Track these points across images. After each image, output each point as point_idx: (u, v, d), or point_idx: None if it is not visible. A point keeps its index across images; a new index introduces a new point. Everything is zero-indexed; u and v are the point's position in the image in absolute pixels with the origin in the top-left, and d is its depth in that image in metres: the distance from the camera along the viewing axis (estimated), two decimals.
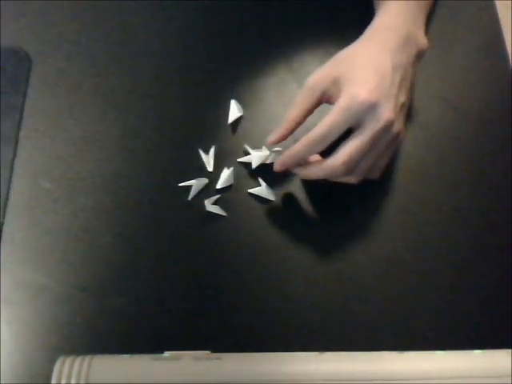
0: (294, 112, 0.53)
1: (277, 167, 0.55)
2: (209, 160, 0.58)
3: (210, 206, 0.56)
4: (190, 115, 0.61)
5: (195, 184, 0.57)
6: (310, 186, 0.58)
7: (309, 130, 0.51)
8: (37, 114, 0.60)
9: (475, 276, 0.55)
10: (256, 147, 0.59)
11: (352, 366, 0.47)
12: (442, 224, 0.57)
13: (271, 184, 0.57)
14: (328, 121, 0.50)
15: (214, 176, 0.58)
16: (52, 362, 0.45)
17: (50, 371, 0.44)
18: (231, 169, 0.58)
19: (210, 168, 0.58)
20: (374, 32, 0.56)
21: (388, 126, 0.50)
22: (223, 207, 0.56)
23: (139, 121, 0.61)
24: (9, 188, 0.57)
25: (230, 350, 0.47)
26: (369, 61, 0.52)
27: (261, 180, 0.58)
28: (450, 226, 0.57)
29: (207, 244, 0.55)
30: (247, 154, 0.59)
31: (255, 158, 0.58)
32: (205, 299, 0.53)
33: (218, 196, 0.57)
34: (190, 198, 0.57)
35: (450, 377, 0.46)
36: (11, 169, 0.58)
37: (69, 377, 0.43)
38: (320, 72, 0.54)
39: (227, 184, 0.57)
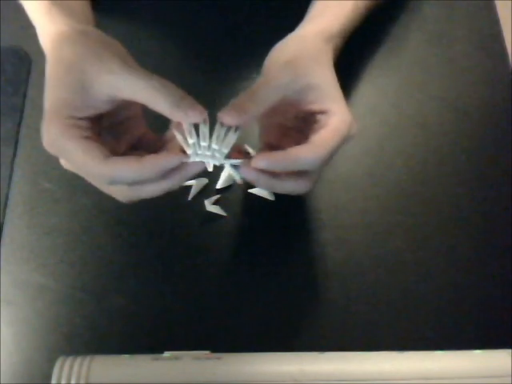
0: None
1: (258, 164, 0.43)
2: None
3: (209, 206, 0.56)
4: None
5: (195, 184, 0.57)
6: None
7: None
8: (37, 114, 0.60)
9: (475, 276, 0.55)
10: (256, 147, 0.59)
11: (352, 366, 0.47)
12: (442, 224, 0.57)
13: None
14: (331, 144, 0.44)
15: (213, 176, 0.58)
16: (52, 362, 0.45)
17: (50, 371, 0.44)
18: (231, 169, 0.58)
19: (210, 168, 0.58)
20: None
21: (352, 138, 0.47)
22: (223, 207, 0.56)
23: None
24: (9, 188, 0.57)
25: (230, 350, 0.47)
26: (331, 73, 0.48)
27: None
28: (449, 226, 0.57)
29: (207, 244, 0.55)
30: (247, 154, 0.59)
31: None
32: (205, 299, 0.53)
33: (217, 196, 0.57)
34: (189, 198, 0.57)
35: (450, 377, 0.46)
36: (11, 169, 0.58)
37: (69, 377, 0.43)
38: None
39: (227, 184, 0.57)
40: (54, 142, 0.42)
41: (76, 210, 0.56)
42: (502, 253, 0.56)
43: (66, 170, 0.57)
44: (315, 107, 0.45)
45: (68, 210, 0.56)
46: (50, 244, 0.55)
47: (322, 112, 0.45)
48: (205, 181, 0.57)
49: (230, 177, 0.57)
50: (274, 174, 0.44)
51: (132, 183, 0.43)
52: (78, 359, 0.45)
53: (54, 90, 0.43)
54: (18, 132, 0.59)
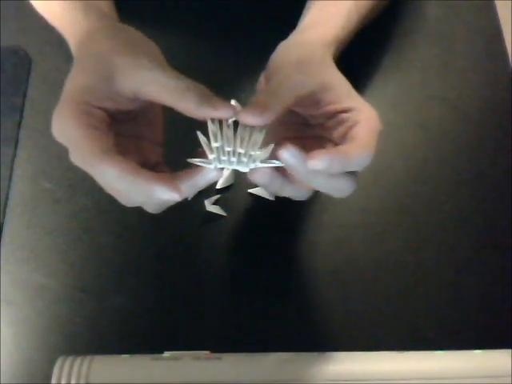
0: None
1: (316, 164, 0.39)
2: None
3: (209, 206, 0.56)
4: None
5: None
6: None
7: None
8: (37, 114, 0.60)
9: (475, 276, 0.55)
10: None
11: (352, 366, 0.47)
12: (442, 224, 0.57)
13: None
14: (374, 140, 0.42)
15: None
16: (52, 362, 0.45)
17: (50, 371, 0.44)
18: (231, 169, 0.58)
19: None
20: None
21: None
22: (223, 207, 0.56)
23: None
24: (9, 188, 0.57)
25: (230, 350, 0.47)
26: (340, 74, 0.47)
27: None
28: (449, 226, 0.57)
29: (207, 244, 0.55)
30: None
31: None
32: (205, 299, 0.53)
33: (217, 196, 0.57)
34: (189, 198, 0.57)
35: (450, 377, 0.46)
36: (11, 169, 0.58)
37: (69, 377, 0.43)
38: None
39: (227, 184, 0.57)
40: (62, 127, 0.40)
41: (76, 210, 0.56)
42: (502, 253, 0.56)
43: (66, 170, 0.58)
44: (337, 106, 0.44)
45: (68, 210, 0.56)
46: (50, 244, 0.55)
47: (347, 110, 0.44)
48: None
49: (229, 177, 0.57)
50: (325, 175, 0.41)
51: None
52: (78, 359, 0.45)
53: (76, 76, 0.42)
54: (18, 132, 0.59)
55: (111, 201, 0.58)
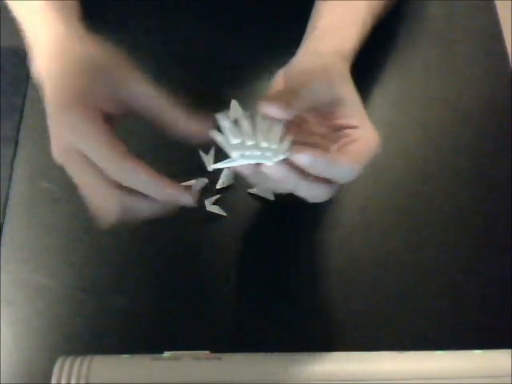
0: None
1: (301, 158, 0.40)
2: (209, 160, 0.58)
3: (209, 206, 0.56)
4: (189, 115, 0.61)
5: (195, 184, 0.57)
6: None
7: None
8: (37, 114, 0.60)
9: (475, 276, 0.55)
10: None
11: (352, 366, 0.47)
12: (442, 224, 0.57)
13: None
14: (366, 158, 0.43)
15: (214, 176, 0.58)
16: (52, 362, 0.45)
17: (50, 371, 0.44)
18: (231, 169, 0.58)
19: (210, 168, 0.58)
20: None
21: None
22: (223, 207, 0.56)
23: (139, 121, 0.60)
24: (9, 188, 0.57)
25: (230, 350, 0.47)
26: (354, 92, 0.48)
27: None
28: (449, 226, 0.57)
29: (207, 244, 0.55)
30: None
31: None
32: (205, 299, 0.53)
33: (217, 196, 0.57)
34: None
35: (450, 377, 0.46)
36: (11, 169, 0.58)
37: (69, 377, 0.43)
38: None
39: (227, 184, 0.57)
40: (75, 127, 0.41)
41: (76, 210, 0.56)
42: (502, 253, 0.56)
43: (65, 170, 0.57)
44: (346, 122, 0.45)
45: (68, 209, 0.56)
46: (50, 244, 0.55)
47: (352, 127, 0.45)
48: (205, 181, 0.57)
49: (229, 177, 0.57)
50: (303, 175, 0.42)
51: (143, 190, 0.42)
52: (78, 359, 0.45)
53: (77, 79, 0.43)
54: (18, 132, 0.59)
55: None
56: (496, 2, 0.69)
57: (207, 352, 0.47)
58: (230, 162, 0.39)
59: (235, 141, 0.38)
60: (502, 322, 0.53)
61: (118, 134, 0.43)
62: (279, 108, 0.40)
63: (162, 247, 0.55)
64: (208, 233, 0.56)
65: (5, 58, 0.63)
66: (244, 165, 0.40)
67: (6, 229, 0.55)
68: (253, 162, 0.39)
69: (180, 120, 0.43)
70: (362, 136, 0.45)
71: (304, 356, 0.47)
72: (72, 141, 0.41)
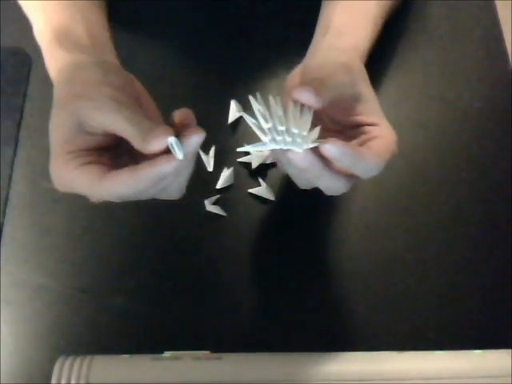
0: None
1: (329, 149, 0.39)
2: (209, 160, 0.58)
3: (209, 206, 0.56)
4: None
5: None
6: None
7: None
8: (37, 113, 0.60)
9: (475, 276, 0.55)
10: None
11: (352, 366, 0.47)
12: (442, 224, 0.57)
13: (271, 184, 0.57)
14: (388, 156, 0.43)
15: (214, 176, 0.58)
16: (52, 362, 0.45)
17: (50, 371, 0.44)
18: (231, 169, 0.58)
19: (210, 168, 0.58)
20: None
21: None
22: (223, 207, 0.56)
23: None
24: (9, 188, 0.57)
25: (230, 350, 0.47)
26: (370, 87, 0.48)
27: (261, 180, 0.58)
28: (449, 226, 0.57)
29: (207, 244, 0.55)
30: (247, 154, 0.59)
31: (255, 158, 0.58)
32: (205, 299, 0.53)
33: (217, 196, 0.57)
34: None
35: (450, 377, 0.46)
36: (11, 169, 0.58)
37: (69, 377, 0.43)
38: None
39: (227, 184, 0.57)
40: (61, 179, 0.43)
41: (76, 210, 0.56)
42: (502, 253, 0.56)
43: None
44: (365, 119, 0.45)
45: (68, 209, 0.56)
46: (50, 244, 0.55)
47: (371, 125, 0.45)
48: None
49: (229, 177, 0.57)
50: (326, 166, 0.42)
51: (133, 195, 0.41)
52: (78, 359, 0.45)
53: (56, 130, 0.45)
54: (18, 132, 0.59)
55: (111, 201, 0.58)
56: (496, 1, 0.69)
57: (207, 352, 0.47)
58: (260, 145, 0.39)
59: (267, 125, 0.38)
60: (501, 322, 0.53)
61: None
62: (311, 94, 0.40)
63: (162, 247, 0.55)
64: (208, 233, 0.56)
65: (5, 57, 0.63)
66: (275, 150, 0.40)
67: (5, 229, 0.55)
68: (283, 147, 0.39)
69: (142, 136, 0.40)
70: (383, 133, 0.45)
71: (304, 356, 0.47)
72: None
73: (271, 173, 0.58)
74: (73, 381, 0.43)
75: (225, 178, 0.57)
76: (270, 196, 0.57)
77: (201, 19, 0.67)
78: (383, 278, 0.55)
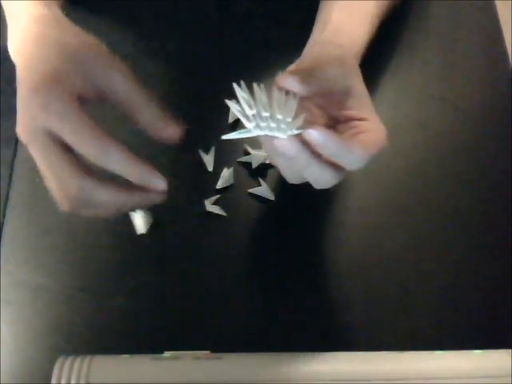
0: None
1: (314, 135, 0.40)
2: (209, 160, 0.58)
3: (209, 206, 0.56)
4: (190, 115, 0.61)
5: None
6: (310, 185, 0.58)
7: None
8: None
9: (475, 276, 0.55)
10: (256, 147, 0.59)
11: (352, 366, 0.47)
12: (442, 224, 0.57)
13: (271, 184, 0.57)
14: (375, 149, 0.44)
15: (213, 176, 0.58)
16: (52, 362, 0.45)
17: (50, 371, 0.44)
18: (231, 169, 0.58)
19: (210, 168, 0.58)
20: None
21: None
22: (223, 207, 0.56)
23: None
24: (9, 188, 0.57)
25: (230, 350, 0.47)
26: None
27: (261, 180, 0.58)
28: (449, 226, 0.57)
29: (207, 244, 0.55)
30: (247, 153, 0.59)
31: (255, 157, 0.58)
32: (205, 299, 0.53)
33: (217, 196, 0.57)
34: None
35: (450, 377, 0.46)
36: (11, 169, 0.58)
37: (69, 377, 0.43)
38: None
39: (227, 184, 0.57)
40: (50, 106, 0.42)
41: None
42: (502, 253, 0.56)
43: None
44: (356, 114, 0.46)
45: None
46: (50, 244, 0.55)
47: (362, 119, 0.46)
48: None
49: (229, 177, 0.57)
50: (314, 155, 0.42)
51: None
52: (78, 359, 0.45)
53: (55, 63, 0.43)
54: None
55: None
56: (496, 1, 0.69)
57: (207, 352, 0.47)
58: (244, 132, 0.40)
59: (251, 111, 0.38)
60: (501, 322, 0.53)
61: (117, 134, 0.43)
62: (295, 81, 0.41)
63: (162, 247, 0.55)
64: (208, 233, 0.56)
65: (5, 58, 0.62)
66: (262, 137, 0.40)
67: (5, 229, 0.55)
68: (267, 133, 0.39)
69: (151, 119, 0.43)
70: (372, 128, 0.45)
71: (304, 356, 0.47)
72: (45, 120, 0.42)
73: (271, 173, 0.58)
74: (73, 381, 0.43)
75: (225, 178, 0.57)
76: (270, 196, 0.57)
77: (201, 19, 0.67)
78: (383, 278, 0.55)
